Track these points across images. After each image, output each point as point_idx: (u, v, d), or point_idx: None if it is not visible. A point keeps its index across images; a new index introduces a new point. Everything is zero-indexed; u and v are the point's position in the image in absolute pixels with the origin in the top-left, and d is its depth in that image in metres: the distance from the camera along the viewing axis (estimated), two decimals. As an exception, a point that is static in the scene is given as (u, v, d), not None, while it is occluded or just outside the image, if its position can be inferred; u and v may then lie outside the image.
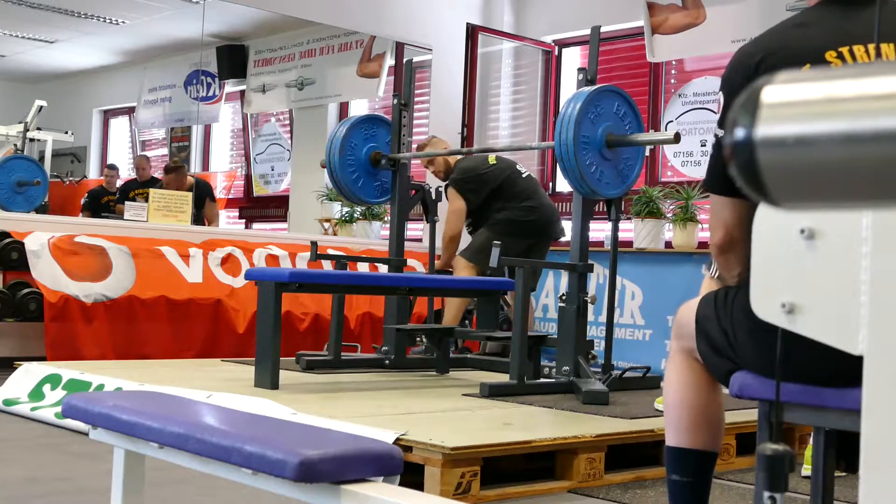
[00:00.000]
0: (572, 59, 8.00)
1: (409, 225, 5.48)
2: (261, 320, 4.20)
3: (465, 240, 5.92)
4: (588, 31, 4.54)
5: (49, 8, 9.30)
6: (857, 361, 1.02)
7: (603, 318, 4.85)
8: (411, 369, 5.04)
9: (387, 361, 4.95)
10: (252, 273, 4.54)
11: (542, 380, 4.41)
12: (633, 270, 6.28)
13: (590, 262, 4.41)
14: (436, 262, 5.74)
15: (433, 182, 5.91)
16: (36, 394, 4.31)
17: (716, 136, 1.89)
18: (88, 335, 5.42)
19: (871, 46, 1.81)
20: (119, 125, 11.32)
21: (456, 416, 3.64)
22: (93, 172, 10.85)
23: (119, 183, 9.10)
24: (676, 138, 4.07)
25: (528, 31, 8.03)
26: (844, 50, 1.80)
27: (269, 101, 9.67)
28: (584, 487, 3.14)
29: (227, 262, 6.09)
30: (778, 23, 1.95)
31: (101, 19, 9.73)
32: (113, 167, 9.40)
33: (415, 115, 5.56)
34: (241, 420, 2.09)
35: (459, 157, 5.93)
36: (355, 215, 7.43)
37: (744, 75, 1.83)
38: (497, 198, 5.69)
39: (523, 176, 5.82)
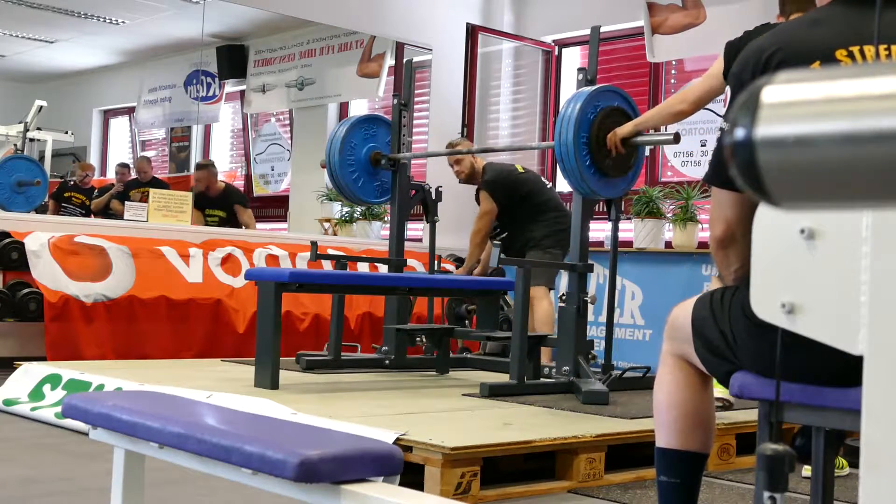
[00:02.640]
0: (572, 59, 7.99)
1: (409, 225, 5.48)
2: (261, 320, 4.20)
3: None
4: (588, 31, 4.54)
5: (49, 8, 9.29)
6: (857, 361, 1.02)
7: (603, 318, 4.85)
8: (411, 369, 5.04)
9: (387, 361, 4.95)
10: (252, 273, 4.54)
11: (542, 380, 4.41)
12: (633, 270, 6.28)
13: (590, 262, 4.41)
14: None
15: (433, 182, 5.90)
16: (36, 394, 4.31)
17: (721, 129, 1.88)
18: (88, 335, 5.42)
19: (882, 47, 1.80)
20: (119, 125, 11.32)
21: (456, 416, 3.64)
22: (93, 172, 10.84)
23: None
24: (676, 138, 4.08)
25: (528, 31, 8.03)
26: (855, 49, 1.79)
27: (269, 101, 9.67)
28: (584, 487, 3.14)
29: (227, 262, 6.09)
30: (790, 19, 1.95)
31: (101, 19, 9.73)
32: (125, 165, 9.40)
33: (415, 115, 5.56)
34: (241, 420, 2.09)
35: (486, 162, 5.92)
36: (355, 215, 7.43)
37: (753, 70, 1.83)
38: (527, 208, 5.63)
39: (548, 186, 5.91)
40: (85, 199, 8.75)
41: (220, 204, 7.70)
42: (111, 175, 9.62)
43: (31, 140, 8.17)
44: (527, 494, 3.05)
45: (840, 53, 1.79)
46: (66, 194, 8.63)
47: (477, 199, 5.89)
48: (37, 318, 5.49)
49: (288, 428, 2.04)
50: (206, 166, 8.07)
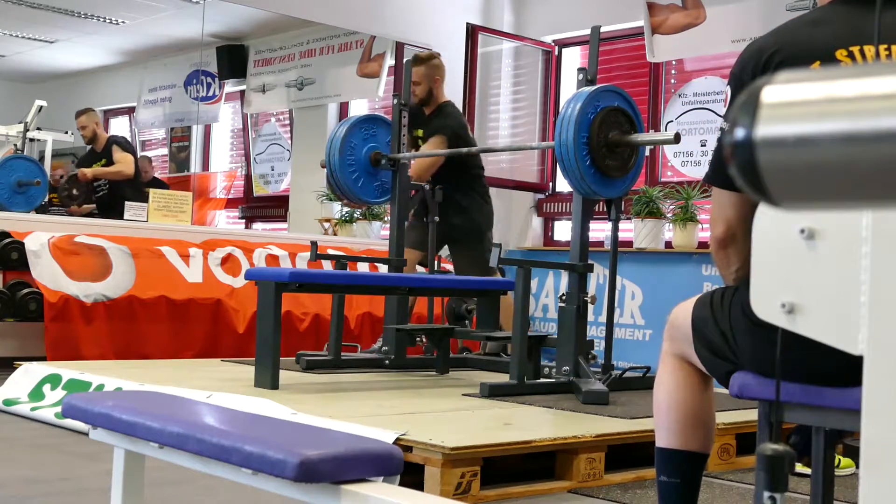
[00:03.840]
0: (572, 59, 7.99)
1: (409, 225, 5.47)
2: (261, 320, 4.20)
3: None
4: (588, 31, 4.54)
5: (49, 8, 9.30)
6: (857, 361, 1.02)
7: (603, 318, 4.85)
8: (411, 369, 5.04)
9: (387, 361, 4.95)
10: (252, 273, 4.54)
11: (542, 380, 4.41)
12: (633, 270, 6.28)
13: (590, 262, 4.41)
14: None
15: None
16: (36, 394, 4.31)
17: (721, 129, 1.88)
18: (88, 335, 5.42)
19: (882, 47, 1.80)
20: (119, 125, 11.32)
21: (456, 416, 3.64)
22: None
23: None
24: (676, 138, 4.08)
25: (528, 31, 8.03)
26: (855, 49, 1.79)
27: (269, 101, 9.67)
28: (584, 487, 3.14)
29: (227, 262, 6.09)
30: (791, 19, 1.95)
31: (101, 19, 9.73)
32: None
33: (415, 115, 5.55)
34: (241, 420, 2.09)
35: (447, 99, 5.71)
36: (355, 215, 7.43)
37: (753, 71, 1.83)
38: (466, 169, 5.55)
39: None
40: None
41: (104, 153, 7.60)
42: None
43: (31, 140, 8.16)
44: (527, 494, 3.05)
45: (840, 53, 1.79)
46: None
47: (420, 126, 5.55)
48: (37, 318, 5.49)
49: (288, 428, 2.04)
50: (86, 111, 7.89)
